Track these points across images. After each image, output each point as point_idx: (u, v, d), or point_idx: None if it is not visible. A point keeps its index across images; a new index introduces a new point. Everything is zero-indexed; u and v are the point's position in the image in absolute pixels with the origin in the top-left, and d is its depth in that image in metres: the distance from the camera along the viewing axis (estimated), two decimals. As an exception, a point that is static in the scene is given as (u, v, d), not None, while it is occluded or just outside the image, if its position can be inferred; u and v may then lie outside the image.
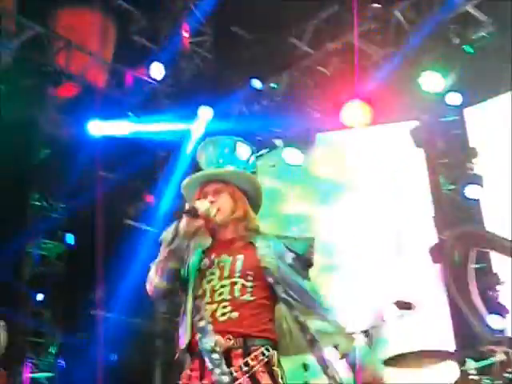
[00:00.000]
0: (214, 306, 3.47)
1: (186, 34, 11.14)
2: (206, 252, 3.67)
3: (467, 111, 9.35)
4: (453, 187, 9.31)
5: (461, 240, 8.32)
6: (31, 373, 9.78)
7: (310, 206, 10.82)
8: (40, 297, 10.04)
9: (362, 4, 9.13)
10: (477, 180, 8.98)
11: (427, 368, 7.10)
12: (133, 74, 10.58)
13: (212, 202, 3.67)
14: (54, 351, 9.96)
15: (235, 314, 3.44)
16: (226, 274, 3.55)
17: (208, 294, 3.51)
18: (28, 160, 9.74)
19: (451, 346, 8.54)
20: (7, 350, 6.98)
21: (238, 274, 3.53)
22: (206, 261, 3.62)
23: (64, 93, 9.91)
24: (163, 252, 3.62)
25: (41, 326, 9.94)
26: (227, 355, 3.36)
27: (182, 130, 11.00)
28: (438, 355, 7.23)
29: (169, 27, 11.78)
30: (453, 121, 9.41)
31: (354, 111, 9.36)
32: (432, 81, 8.80)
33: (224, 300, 3.47)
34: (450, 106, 9.13)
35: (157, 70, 10.65)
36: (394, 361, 7.16)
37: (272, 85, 10.39)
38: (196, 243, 3.69)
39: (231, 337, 3.40)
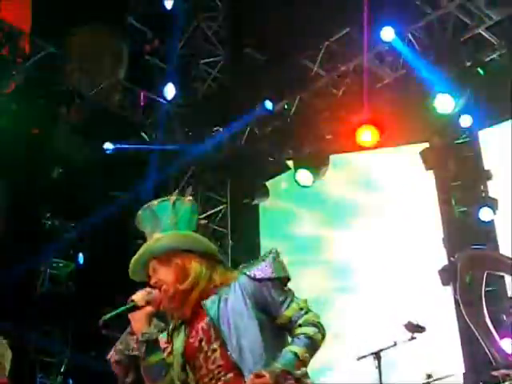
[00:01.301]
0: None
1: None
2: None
3: (481, 133, 9.35)
4: (465, 209, 9.29)
5: (473, 262, 8.28)
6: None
7: (322, 228, 10.82)
8: (50, 316, 10.05)
9: (373, 26, 9.15)
10: (491, 202, 8.95)
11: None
12: (145, 94, 10.62)
13: (156, 283, 3.44)
14: (63, 370, 9.95)
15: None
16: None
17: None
18: (40, 179, 9.77)
19: (461, 369, 8.49)
20: (17, 368, 6.96)
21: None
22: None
23: (77, 113, 9.96)
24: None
25: (51, 345, 9.94)
26: None
27: (193, 149, 11.04)
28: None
29: (182, 48, 11.85)
30: (465, 143, 9.41)
31: (366, 133, 9.36)
32: (444, 103, 8.79)
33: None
34: (462, 128, 9.12)
35: (169, 91, 10.69)
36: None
37: (284, 106, 10.40)
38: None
39: None
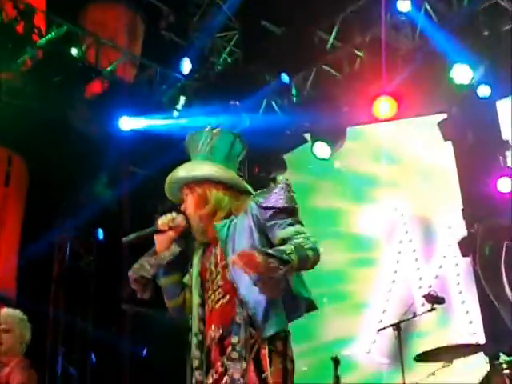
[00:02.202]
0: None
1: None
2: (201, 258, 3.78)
3: (500, 103, 9.27)
4: (484, 180, 9.24)
5: (492, 233, 8.26)
6: (62, 366, 9.88)
7: (340, 201, 10.81)
8: (72, 292, 10.14)
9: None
10: (510, 173, 8.90)
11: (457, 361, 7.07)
12: (161, 70, 10.61)
13: (184, 208, 3.77)
14: (84, 345, 10.04)
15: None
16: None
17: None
18: (58, 157, 9.80)
19: (481, 340, 8.49)
20: (39, 344, 7.04)
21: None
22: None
23: (93, 89, 9.98)
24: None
25: (72, 321, 10.03)
26: None
27: (210, 124, 11.01)
28: (469, 349, 7.21)
29: (197, 22, 11.82)
30: (484, 113, 9.34)
31: (383, 105, 9.32)
32: (462, 73, 8.73)
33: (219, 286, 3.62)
34: (480, 98, 9.05)
35: (185, 65, 10.68)
36: (425, 356, 7.15)
37: (301, 79, 10.36)
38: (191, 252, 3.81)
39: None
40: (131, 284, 3.82)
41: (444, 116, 9.48)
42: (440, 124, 9.40)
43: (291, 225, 3.56)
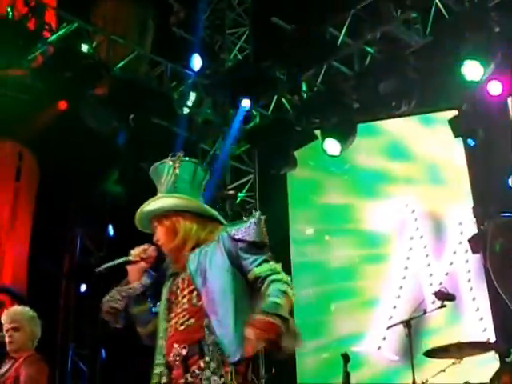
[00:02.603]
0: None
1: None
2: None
3: (511, 100, 9.25)
4: (495, 177, 9.22)
5: (503, 230, 8.25)
6: (73, 362, 9.91)
7: (351, 197, 10.81)
8: (83, 288, 10.15)
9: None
10: (521, 170, 8.89)
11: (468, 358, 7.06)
12: (172, 66, 10.61)
13: (155, 240, 3.91)
14: (94, 341, 10.06)
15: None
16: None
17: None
18: (69, 152, 9.82)
19: (491, 337, 8.49)
20: (49, 339, 7.06)
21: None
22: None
23: (103, 86, 9.98)
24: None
25: (82, 316, 10.05)
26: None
27: (220, 120, 11.05)
28: (480, 346, 7.21)
29: (207, 19, 11.83)
30: (495, 110, 9.31)
31: (395, 101, 9.32)
32: (472, 69, 8.71)
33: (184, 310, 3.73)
34: (491, 95, 9.02)
35: (196, 62, 10.68)
36: (435, 352, 7.15)
37: (311, 75, 10.36)
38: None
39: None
40: (103, 315, 3.95)
41: (455, 113, 9.46)
42: (451, 121, 9.38)
43: (266, 261, 3.69)
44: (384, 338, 9.60)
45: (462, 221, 9.59)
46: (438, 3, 9.13)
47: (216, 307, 3.55)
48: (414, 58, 9.40)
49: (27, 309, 5.94)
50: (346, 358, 7.40)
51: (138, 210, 3.97)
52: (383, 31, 9.55)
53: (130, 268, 3.93)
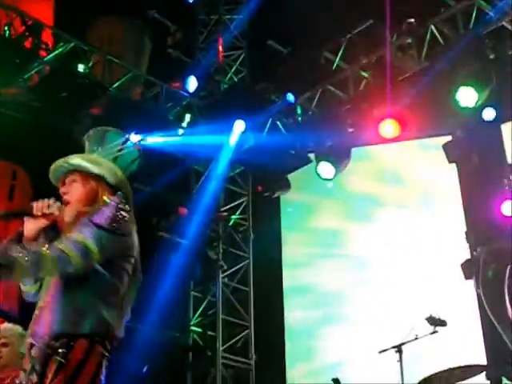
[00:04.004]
0: None
1: (221, 48, 11.21)
2: None
3: (505, 127, 9.28)
4: (488, 203, 9.22)
5: (495, 256, 8.24)
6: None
7: (344, 221, 10.81)
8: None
9: (397, 18, 9.12)
10: (514, 197, 8.89)
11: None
12: (167, 87, 10.63)
13: (65, 193, 3.67)
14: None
15: None
16: None
17: None
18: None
19: (483, 362, 8.45)
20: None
21: None
22: None
23: (99, 106, 9.99)
24: None
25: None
26: None
27: (215, 143, 11.05)
28: (471, 370, 7.18)
29: (204, 41, 11.88)
30: (489, 136, 9.34)
31: (388, 127, 9.33)
32: (467, 96, 8.74)
33: None
34: (485, 121, 9.05)
35: (191, 83, 10.71)
36: (428, 382, 7.12)
37: (306, 99, 10.39)
38: None
39: None
40: None
41: (449, 138, 9.49)
42: (445, 146, 9.41)
43: (81, 232, 3.45)
44: (375, 364, 9.55)
45: (455, 246, 9.57)
46: (433, 29, 9.18)
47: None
48: (408, 83, 9.44)
49: (17, 326, 5.92)
50: (336, 382, 7.37)
51: (72, 157, 3.75)
52: (378, 56, 9.59)
53: (27, 222, 3.58)
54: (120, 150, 3.85)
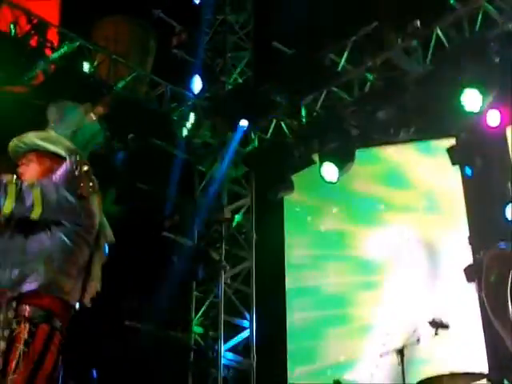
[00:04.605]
0: None
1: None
2: None
3: (509, 130, 9.28)
4: (491, 207, 9.22)
5: (499, 260, 8.22)
6: (63, 382, 9.82)
7: (347, 223, 10.80)
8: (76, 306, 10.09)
9: (402, 21, 9.11)
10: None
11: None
12: (172, 88, 10.64)
13: (21, 174, 3.64)
14: (86, 361, 10.00)
15: None
16: None
17: None
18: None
19: (484, 366, 8.44)
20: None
21: None
22: None
23: (103, 106, 9.99)
24: None
25: (73, 336, 9.99)
26: None
27: (219, 143, 11.06)
28: (472, 377, 7.17)
29: (209, 41, 11.88)
30: (493, 140, 9.33)
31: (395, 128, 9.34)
32: (471, 99, 8.73)
33: None
34: (490, 124, 9.05)
35: (196, 84, 10.71)
36: (428, 382, 7.11)
37: (311, 100, 10.39)
38: None
39: None
40: None
41: (453, 141, 9.48)
42: (449, 149, 9.40)
43: (36, 187, 3.46)
44: (377, 366, 9.54)
45: (458, 250, 9.56)
46: (439, 32, 9.17)
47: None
48: (413, 85, 9.43)
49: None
50: (338, 384, 7.37)
51: (34, 135, 3.74)
52: (383, 58, 9.58)
53: None
54: (80, 125, 3.76)
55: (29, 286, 3.34)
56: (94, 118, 3.85)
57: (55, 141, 3.72)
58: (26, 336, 3.26)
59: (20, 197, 3.37)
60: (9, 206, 3.34)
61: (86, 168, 3.61)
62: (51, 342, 3.36)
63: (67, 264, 3.47)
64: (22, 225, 3.43)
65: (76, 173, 3.53)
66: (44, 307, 3.36)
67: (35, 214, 3.39)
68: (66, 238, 3.46)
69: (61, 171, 3.53)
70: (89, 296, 3.55)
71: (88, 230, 3.60)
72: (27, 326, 3.28)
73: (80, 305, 3.51)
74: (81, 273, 3.52)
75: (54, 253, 3.43)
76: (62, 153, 3.68)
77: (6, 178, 3.48)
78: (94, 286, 3.59)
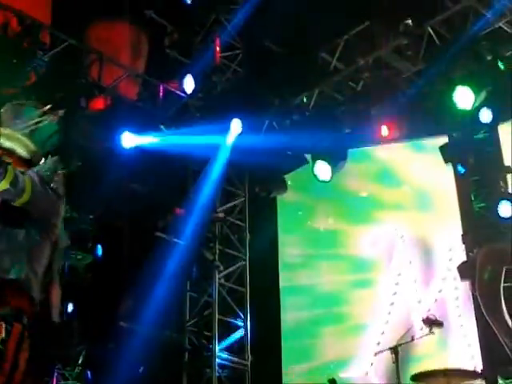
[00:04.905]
0: None
1: (218, 49, 11.20)
2: None
3: (501, 128, 9.29)
4: (484, 205, 9.24)
5: (492, 258, 8.26)
6: (58, 383, 9.83)
7: (340, 222, 10.81)
8: (69, 307, 10.08)
9: (393, 20, 9.12)
10: (510, 198, 8.90)
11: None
12: (165, 87, 10.63)
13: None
14: (81, 362, 10.00)
15: None
16: None
17: None
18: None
19: (478, 363, 8.47)
20: (34, 360, 6.99)
21: None
22: None
23: (96, 105, 9.99)
24: None
25: (69, 337, 9.98)
26: None
27: (212, 143, 11.04)
28: (466, 374, 7.19)
29: (201, 41, 11.86)
30: (485, 137, 9.35)
31: (385, 128, 9.36)
32: (463, 97, 8.75)
33: None
34: (482, 122, 9.06)
35: (188, 84, 10.70)
36: (422, 377, 7.13)
37: (303, 100, 10.39)
38: None
39: None
40: None
41: (445, 139, 9.50)
42: (441, 148, 9.42)
43: (26, 175, 3.50)
44: (371, 364, 9.56)
45: (452, 247, 9.59)
46: (430, 31, 9.18)
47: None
48: (405, 84, 9.45)
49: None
50: (333, 383, 7.38)
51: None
52: (375, 57, 9.59)
53: None
54: (37, 124, 3.75)
55: (12, 275, 3.35)
56: (54, 119, 3.86)
57: (11, 137, 3.74)
58: (3, 335, 3.27)
59: (14, 181, 3.39)
60: (2, 186, 3.34)
61: (61, 171, 3.60)
62: (23, 341, 3.33)
63: (35, 261, 3.49)
64: (6, 211, 3.44)
65: (53, 173, 3.60)
66: (16, 306, 3.37)
67: (23, 199, 3.42)
68: (37, 234, 3.49)
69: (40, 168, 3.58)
70: (56, 310, 3.54)
71: (53, 229, 3.61)
72: (3, 324, 3.29)
73: (49, 321, 3.48)
74: (42, 273, 3.49)
75: (27, 248, 3.45)
76: (19, 150, 3.72)
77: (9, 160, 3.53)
78: (57, 293, 3.58)
